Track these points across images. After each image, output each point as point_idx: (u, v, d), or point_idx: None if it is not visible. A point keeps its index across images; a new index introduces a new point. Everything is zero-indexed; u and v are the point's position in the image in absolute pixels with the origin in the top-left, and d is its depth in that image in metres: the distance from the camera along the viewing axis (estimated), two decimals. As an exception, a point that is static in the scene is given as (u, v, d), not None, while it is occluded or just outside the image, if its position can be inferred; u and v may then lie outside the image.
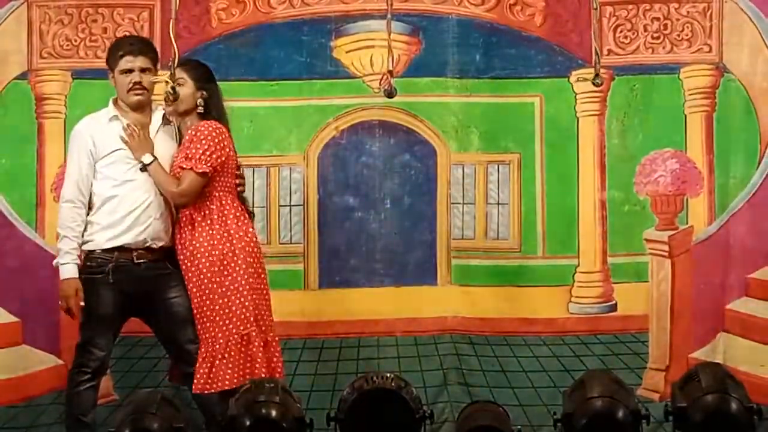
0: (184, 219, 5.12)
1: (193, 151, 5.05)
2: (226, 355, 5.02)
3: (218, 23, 6.01)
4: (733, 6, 5.87)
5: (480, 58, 6.00)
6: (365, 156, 6.04)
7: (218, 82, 5.85)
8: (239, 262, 5.06)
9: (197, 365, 5.03)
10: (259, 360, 5.01)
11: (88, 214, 5.13)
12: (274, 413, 4.14)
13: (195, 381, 5.02)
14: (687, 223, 5.95)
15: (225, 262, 5.06)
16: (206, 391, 5.01)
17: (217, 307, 5.04)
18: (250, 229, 5.17)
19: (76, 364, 5.14)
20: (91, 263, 5.11)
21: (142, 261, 5.09)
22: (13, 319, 5.85)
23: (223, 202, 5.13)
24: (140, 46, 5.20)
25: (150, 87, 5.18)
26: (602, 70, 5.76)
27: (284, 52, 5.99)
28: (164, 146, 5.20)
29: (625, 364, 5.87)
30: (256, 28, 6.02)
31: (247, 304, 5.05)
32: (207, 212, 5.11)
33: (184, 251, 5.10)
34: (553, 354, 5.94)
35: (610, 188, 6.00)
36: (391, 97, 5.25)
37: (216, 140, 5.08)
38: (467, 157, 6.02)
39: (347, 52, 6.01)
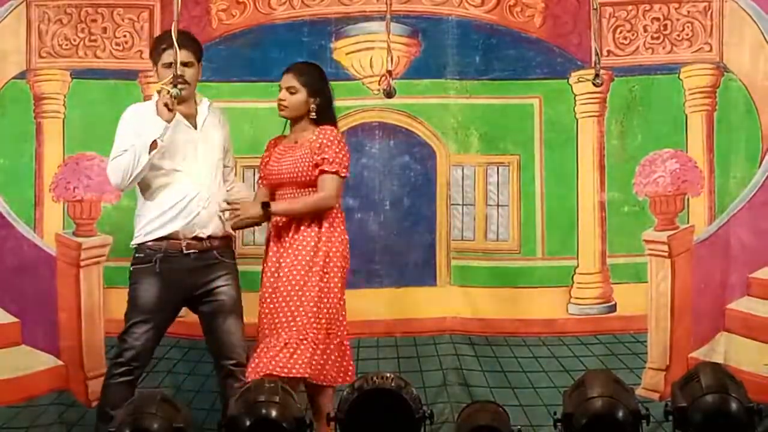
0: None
1: (333, 155, 5.12)
2: (256, 350, 5.12)
3: (218, 24, 6.00)
4: (733, 5, 5.87)
5: (479, 59, 5.99)
6: (365, 157, 6.03)
7: (218, 83, 5.91)
8: (282, 265, 5.12)
9: None
10: (254, 362, 5.05)
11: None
12: (274, 413, 4.12)
13: None
14: (688, 223, 5.95)
15: (274, 259, 5.16)
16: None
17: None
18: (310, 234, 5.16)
19: (113, 354, 5.20)
20: (139, 254, 5.14)
21: (191, 251, 5.12)
22: (12, 319, 5.83)
23: None
24: (182, 39, 5.13)
25: (192, 80, 5.19)
26: (602, 71, 5.80)
27: (284, 54, 5.97)
28: (213, 134, 5.25)
29: (625, 365, 5.86)
30: (256, 29, 6.02)
31: (263, 305, 5.14)
32: None
33: None
34: (553, 354, 5.93)
35: (609, 189, 5.99)
36: (391, 97, 5.27)
37: (345, 146, 5.21)
38: (467, 159, 6.01)
39: (347, 53, 6.01)
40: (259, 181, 5.40)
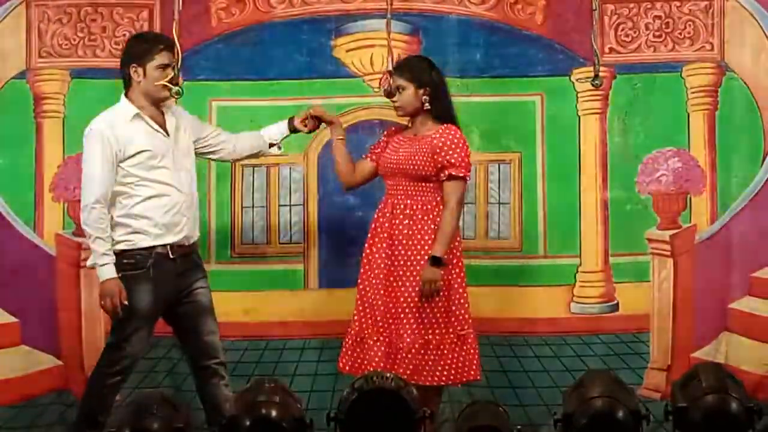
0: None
1: (459, 159, 5.12)
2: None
3: (218, 23, 5.99)
4: (734, 4, 5.86)
5: (480, 57, 5.98)
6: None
7: (217, 82, 5.90)
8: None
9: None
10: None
11: (111, 215, 5.07)
12: (274, 413, 4.11)
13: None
14: (690, 222, 5.93)
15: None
16: None
17: None
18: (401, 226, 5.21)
19: (106, 362, 5.11)
20: (129, 260, 5.06)
21: (176, 256, 5.11)
22: (12, 319, 5.84)
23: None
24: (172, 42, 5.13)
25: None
26: (604, 69, 5.79)
27: (284, 52, 5.97)
28: (182, 138, 5.20)
29: (627, 364, 5.85)
30: (256, 27, 6.00)
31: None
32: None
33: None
34: (555, 354, 5.92)
35: (612, 187, 5.97)
36: (391, 97, 5.25)
37: (467, 146, 5.20)
38: (468, 157, 6.00)
39: (347, 51, 5.99)
40: (367, 156, 5.38)
